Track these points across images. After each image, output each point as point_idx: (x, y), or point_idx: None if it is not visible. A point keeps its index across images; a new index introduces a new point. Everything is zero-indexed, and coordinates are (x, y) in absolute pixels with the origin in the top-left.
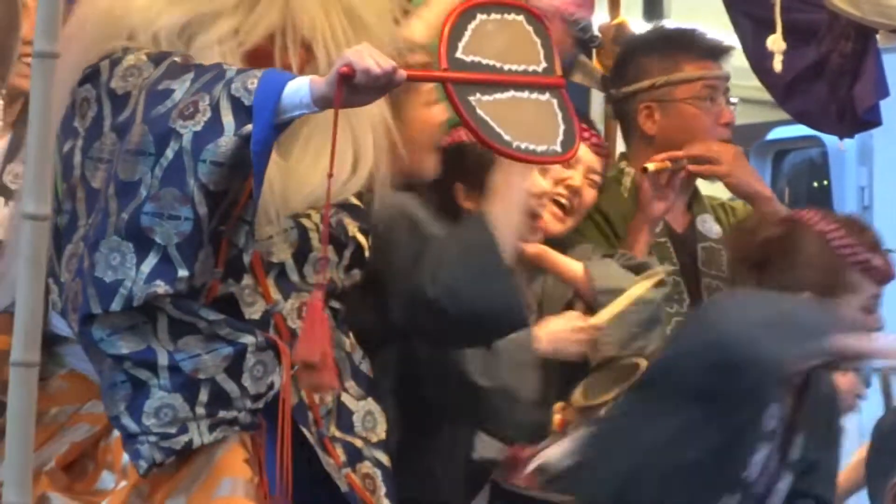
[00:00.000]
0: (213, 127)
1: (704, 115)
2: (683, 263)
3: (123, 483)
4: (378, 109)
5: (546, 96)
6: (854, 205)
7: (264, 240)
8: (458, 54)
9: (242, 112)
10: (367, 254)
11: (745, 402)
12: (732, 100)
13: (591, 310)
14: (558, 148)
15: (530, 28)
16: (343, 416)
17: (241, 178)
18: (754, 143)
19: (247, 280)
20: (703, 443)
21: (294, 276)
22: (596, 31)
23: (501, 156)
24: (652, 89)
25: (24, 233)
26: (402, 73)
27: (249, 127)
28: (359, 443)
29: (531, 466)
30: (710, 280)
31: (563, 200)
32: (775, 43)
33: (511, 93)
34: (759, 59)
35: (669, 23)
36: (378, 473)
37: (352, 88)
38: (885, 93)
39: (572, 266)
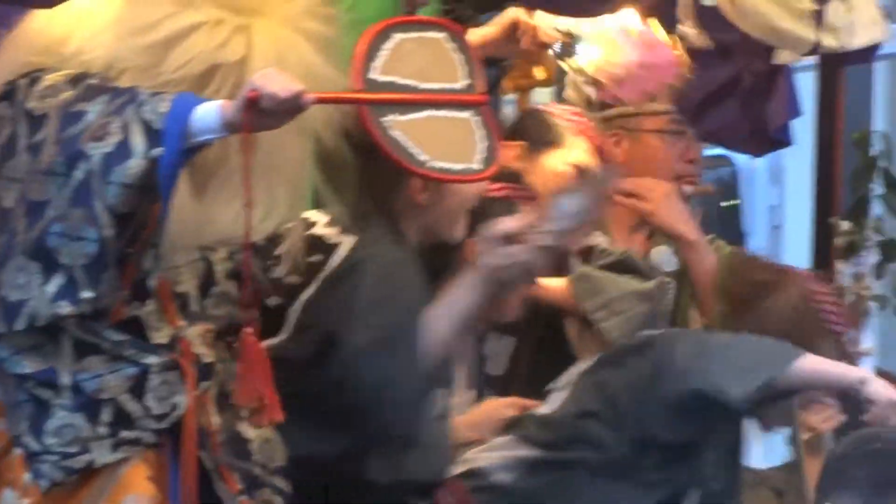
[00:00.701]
0: (123, 149)
1: (669, 148)
2: None
3: (25, 501)
4: (298, 167)
5: (466, 114)
6: (764, 224)
7: (172, 268)
8: (373, 75)
9: (152, 135)
10: (264, 294)
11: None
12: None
13: (587, 325)
14: (477, 165)
15: (451, 46)
16: (239, 444)
17: (150, 201)
18: None
19: (153, 305)
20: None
21: (195, 307)
22: None
23: (416, 175)
24: (622, 117)
25: None
26: (310, 97)
27: (159, 150)
28: (257, 470)
29: (459, 467)
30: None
31: None
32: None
33: (428, 112)
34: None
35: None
36: (278, 500)
37: (260, 112)
38: (797, 112)
39: (556, 288)
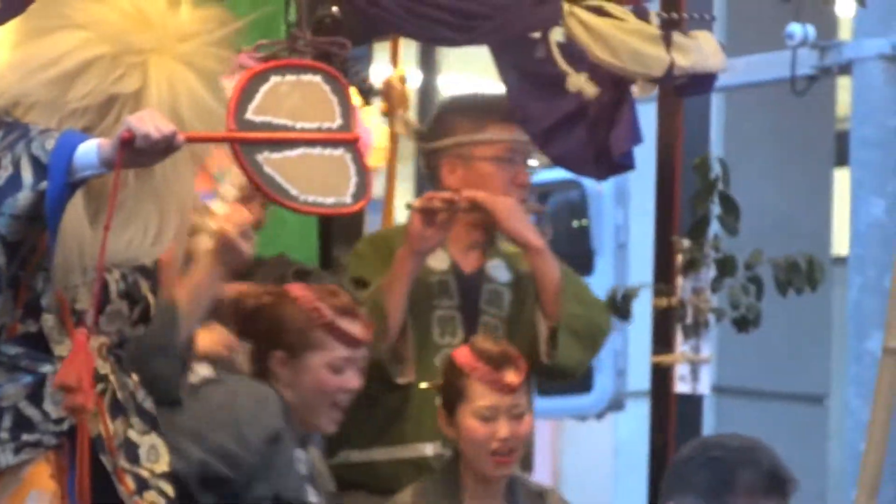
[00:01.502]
0: (14, 182)
1: (502, 174)
2: (465, 301)
3: None
4: (190, 195)
5: (339, 151)
6: (611, 242)
7: (71, 287)
8: (248, 115)
9: (40, 170)
10: (153, 311)
11: None
12: (532, 162)
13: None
14: (348, 199)
15: (328, 87)
16: (130, 449)
17: (39, 230)
18: None
19: (53, 321)
20: None
21: (90, 323)
22: (371, 80)
23: (289, 210)
24: (457, 147)
25: None
26: (181, 138)
27: (45, 184)
28: (145, 473)
29: None
30: (489, 318)
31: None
32: (576, 81)
33: (302, 150)
34: (522, 108)
35: (443, 75)
36: (162, 502)
37: (134, 151)
38: (639, 139)
39: None
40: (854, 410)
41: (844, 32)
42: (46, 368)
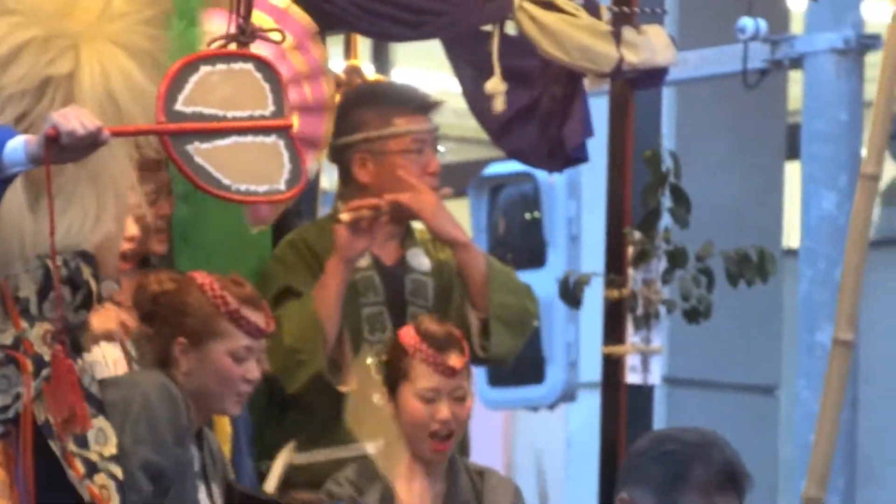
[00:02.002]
0: None
1: (413, 165)
2: (390, 294)
3: None
4: (125, 176)
5: (272, 138)
6: (563, 234)
7: (12, 276)
8: (178, 106)
9: None
10: (94, 298)
11: None
12: (441, 149)
13: None
14: (281, 186)
15: (259, 75)
16: (78, 433)
17: None
18: (472, 179)
19: None
20: None
21: (34, 310)
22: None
23: (221, 199)
24: (366, 142)
25: None
26: (107, 133)
27: None
28: (94, 457)
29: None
30: (416, 309)
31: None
32: (495, 86)
33: (233, 138)
34: (476, 102)
35: (396, 69)
36: (112, 484)
37: (60, 148)
38: (590, 132)
39: None
40: (804, 401)
41: (796, 26)
42: None
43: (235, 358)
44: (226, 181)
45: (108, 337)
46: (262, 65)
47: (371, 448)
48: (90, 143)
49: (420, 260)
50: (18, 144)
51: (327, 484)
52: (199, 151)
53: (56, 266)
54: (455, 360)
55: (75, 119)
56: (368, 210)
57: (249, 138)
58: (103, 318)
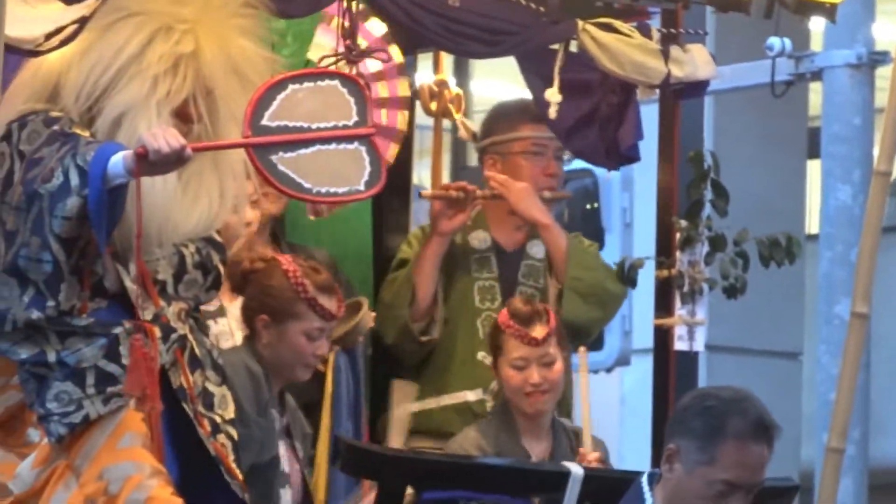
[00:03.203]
0: (64, 188)
1: (533, 166)
2: (504, 273)
3: (46, 438)
4: (241, 161)
5: (354, 145)
6: (618, 222)
7: (153, 260)
8: (264, 122)
9: (83, 177)
10: (222, 280)
11: None
12: (564, 156)
13: None
14: (361, 187)
15: (345, 90)
16: (207, 398)
17: (88, 228)
18: None
19: (138, 291)
20: None
21: (171, 290)
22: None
23: (303, 201)
24: (496, 144)
25: None
26: (189, 151)
27: (87, 190)
28: (217, 419)
29: None
30: (526, 289)
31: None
32: (552, 95)
33: (316, 147)
34: (546, 110)
35: (475, 81)
36: (229, 444)
37: (149, 164)
38: (641, 135)
39: None
40: (824, 365)
41: (816, 44)
42: (118, 329)
43: (309, 337)
44: (307, 185)
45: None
46: (348, 81)
47: (471, 396)
48: (176, 160)
49: (538, 249)
50: (119, 159)
51: (452, 444)
52: (283, 160)
53: (141, 260)
54: (538, 331)
55: (162, 138)
56: (457, 191)
57: (333, 146)
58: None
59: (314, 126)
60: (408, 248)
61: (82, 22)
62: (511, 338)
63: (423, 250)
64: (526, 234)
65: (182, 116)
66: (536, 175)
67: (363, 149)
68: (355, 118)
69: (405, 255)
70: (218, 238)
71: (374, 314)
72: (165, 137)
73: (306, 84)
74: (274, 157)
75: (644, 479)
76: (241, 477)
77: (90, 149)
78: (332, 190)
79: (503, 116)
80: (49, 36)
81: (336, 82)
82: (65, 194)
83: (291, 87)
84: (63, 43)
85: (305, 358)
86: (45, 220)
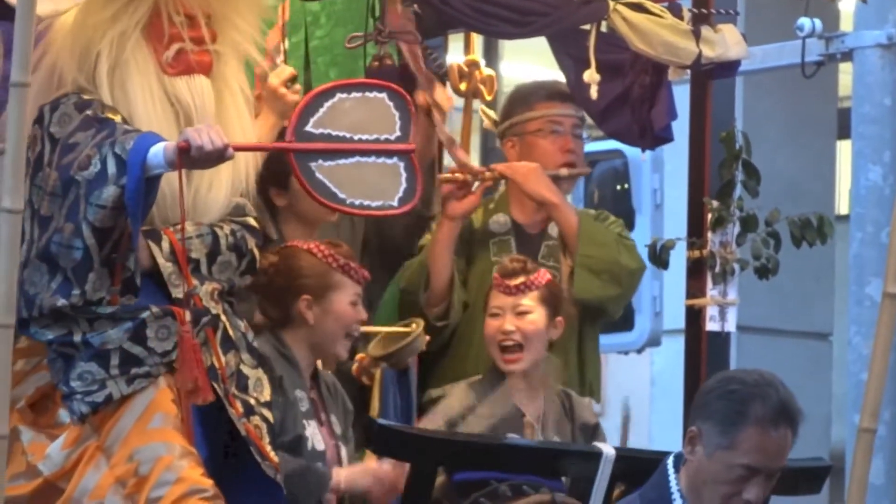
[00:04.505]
0: (101, 178)
1: (549, 144)
2: (524, 253)
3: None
4: (249, 128)
5: (393, 160)
6: (649, 203)
7: (186, 238)
8: (308, 128)
9: (121, 167)
10: (257, 264)
11: None
12: (583, 134)
13: None
14: (395, 202)
15: (391, 103)
16: (241, 380)
17: (124, 218)
18: None
19: (172, 268)
20: None
21: (204, 270)
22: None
23: (335, 210)
24: (512, 126)
25: (2, 223)
26: (231, 151)
27: (125, 179)
28: (252, 401)
29: None
30: (547, 268)
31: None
32: (591, 76)
33: (356, 158)
34: (579, 91)
35: (504, 62)
36: (264, 426)
37: (190, 159)
38: (674, 116)
39: None
40: (855, 346)
41: (846, 24)
42: (144, 314)
43: (353, 304)
44: (342, 195)
45: None
46: (396, 94)
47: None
48: (217, 157)
49: (558, 231)
50: (159, 150)
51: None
52: (322, 169)
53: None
54: (517, 280)
55: (206, 135)
56: (464, 174)
57: (372, 159)
58: None
59: (356, 137)
60: (429, 234)
61: None
62: (493, 290)
63: (436, 234)
64: (547, 216)
65: (155, 34)
66: (554, 152)
67: (402, 164)
68: (398, 133)
69: (425, 241)
70: (254, 223)
71: (427, 338)
72: (210, 135)
73: (354, 94)
74: (313, 165)
75: (670, 462)
76: (275, 459)
77: (129, 138)
78: (366, 203)
79: (518, 98)
80: None
81: (384, 95)
82: (101, 182)
83: (339, 95)
84: None
85: (350, 326)
86: (80, 207)
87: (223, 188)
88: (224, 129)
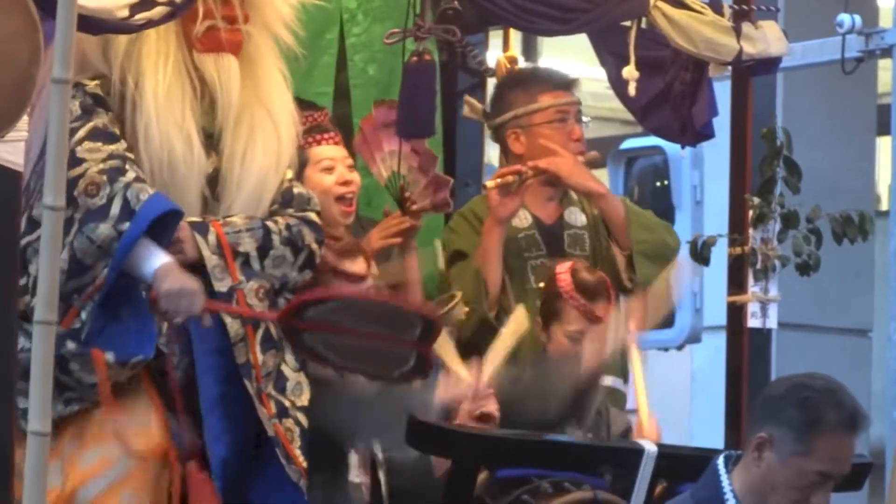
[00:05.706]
0: (102, 212)
1: (558, 134)
2: (551, 248)
3: None
4: (289, 105)
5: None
6: (689, 199)
7: (234, 232)
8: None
9: (126, 211)
10: (317, 260)
11: None
12: (584, 119)
13: None
14: (395, 375)
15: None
16: (280, 380)
17: (105, 262)
18: (610, 152)
19: (216, 261)
20: None
21: (256, 266)
22: (490, 65)
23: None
24: (516, 118)
25: (45, 220)
26: (207, 322)
27: (126, 225)
28: (287, 402)
29: None
30: (575, 259)
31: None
32: (630, 72)
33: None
34: (620, 88)
35: (542, 59)
36: (296, 430)
37: (156, 308)
38: (715, 112)
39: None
40: (894, 342)
41: (885, 21)
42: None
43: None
44: (333, 358)
45: None
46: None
47: None
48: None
49: (577, 217)
50: (152, 251)
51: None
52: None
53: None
54: (602, 309)
55: (182, 305)
56: (512, 176)
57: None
58: None
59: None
60: (456, 237)
61: (174, 6)
62: (573, 309)
63: (486, 241)
64: (558, 203)
65: (227, 18)
66: (563, 142)
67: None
68: (412, 363)
69: (458, 245)
70: (316, 219)
71: (466, 309)
72: (185, 305)
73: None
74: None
75: (720, 462)
76: (303, 464)
77: (143, 189)
78: (361, 368)
79: (519, 89)
80: (133, 8)
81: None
82: (101, 217)
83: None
84: (150, 23)
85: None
86: (72, 229)
87: (257, 159)
88: (245, 112)
